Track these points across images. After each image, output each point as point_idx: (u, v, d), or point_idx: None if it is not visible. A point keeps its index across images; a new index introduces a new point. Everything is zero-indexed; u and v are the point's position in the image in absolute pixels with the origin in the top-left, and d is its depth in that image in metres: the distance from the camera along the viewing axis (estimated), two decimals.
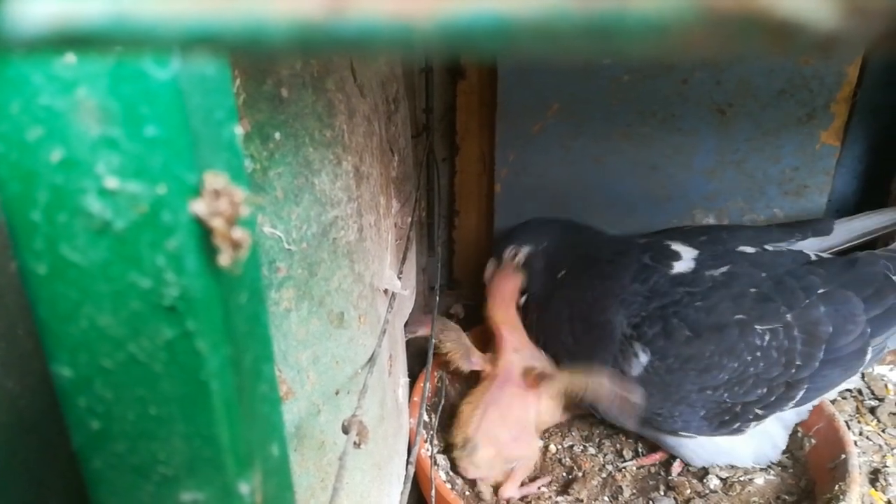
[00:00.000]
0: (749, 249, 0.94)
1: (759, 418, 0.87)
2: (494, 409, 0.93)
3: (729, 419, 0.86)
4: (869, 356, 0.87)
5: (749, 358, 0.84)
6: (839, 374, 0.86)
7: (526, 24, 0.11)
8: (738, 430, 0.88)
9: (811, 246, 0.98)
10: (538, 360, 0.98)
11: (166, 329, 0.20)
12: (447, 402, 1.03)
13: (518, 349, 0.98)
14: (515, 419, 0.93)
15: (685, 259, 0.93)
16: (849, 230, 1.01)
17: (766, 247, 0.95)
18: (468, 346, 0.99)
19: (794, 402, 0.86)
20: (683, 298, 0.87)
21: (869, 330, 0.85)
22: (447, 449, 0.96)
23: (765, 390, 0.85)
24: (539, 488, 0.93)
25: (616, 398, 0.88)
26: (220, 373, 0.21)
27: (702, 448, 0.92)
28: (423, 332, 0.97)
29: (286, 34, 0.13)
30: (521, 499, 0.92)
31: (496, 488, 0.94)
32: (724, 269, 0.89)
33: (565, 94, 1.04)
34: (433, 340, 0.88)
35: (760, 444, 0.92)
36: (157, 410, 0.22)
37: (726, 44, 0.11)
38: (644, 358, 0.86)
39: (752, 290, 0.86)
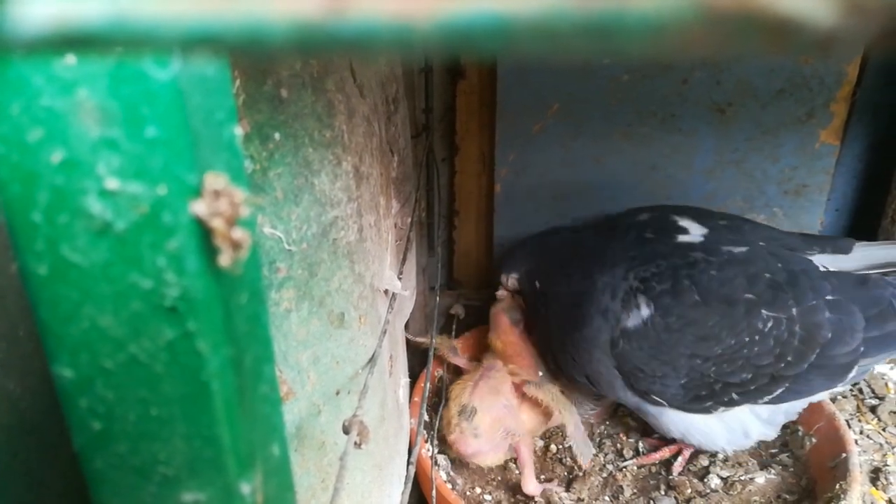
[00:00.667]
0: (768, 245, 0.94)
1: (731, 403, 0.87)
2: (485, 383, 0.95)
3: (705, 395, 0.86)
4: (853, 373, 0.86)
5: (747, 339, 0.83)
6: (821, 382, 0.86)
7: (525, 23, 0.11)
8: (708, 410, 0.88)
9: (826, 262, 0.97)
10: (530, 375, 1.00)
11: (167, 329, 0.20)
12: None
13: (507, 362, 1.01)
14: (507, 392, 0.96)
15: (692, 234, 0.92)
16: (868, 257, 0.98)
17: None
18: (455, 345, 1.07)
19: (770, 396, 0.86)
20: (699, 263, 0.86)
21: (863, 349, 0.85)
22: (445, 445, 0.96)
23: (749, 376, 0.84)
24: (556, 486, 0.95)
25: (577, 431, 0.94)
26: (220, 373, 0.21)
27: (679, 419, 0.92)
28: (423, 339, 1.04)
29: (286, 34, 0.13)
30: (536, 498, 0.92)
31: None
32: (743, 248, 0.89)
33: (565, 94, 1.04)
34: (434, 341, 0.88)
35: (732, 428, 0.91)
36: (158, 411, 0.22)
37: (725, 43, 0.11)
38: (646, 311, 0.85)
39: (767, 275, 0.86)
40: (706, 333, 0.84)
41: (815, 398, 0.91)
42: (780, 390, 0.86)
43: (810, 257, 0.95)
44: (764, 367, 0.84)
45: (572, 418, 0.94)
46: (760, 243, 0.93)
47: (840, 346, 0.85)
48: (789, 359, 0.84)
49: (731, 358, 0.84)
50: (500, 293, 1.08)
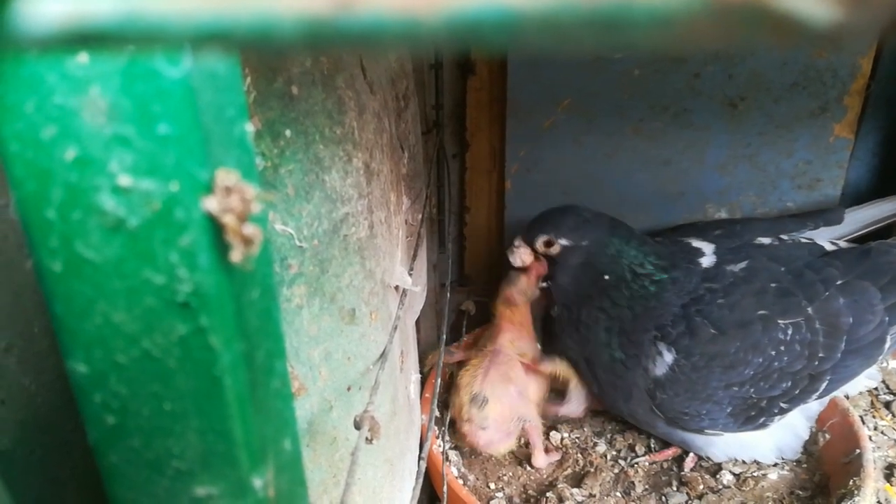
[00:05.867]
0: (766, 241, 0.95)
1: (783, 412, 0.88)
2: (496, 370, 0.95)
3: (755, 414, 0.87)
4: (888, 344, 0.87)
5: (773, 353, 0.84)
6: (860, 363, 0.87)
7: (532, 16, 0.11)
8: (763, 425, 0.89)
9: (822, 235, 0.98)
10: (532, 350, 1.00)
11: (180, 325, 0.21)
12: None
13: (514, 340, 1.00)
14: (517, 377, 0.96)
15: (707, 254, 0.93)
16: (859, 219, 1.02)
17: (783, 237, 0.96)
18: (450, 349, 1.06)
19: (817, 393, 0.87)
20: (706, 296, 0.87)
21: (887, 318, 0.86)
22: (454, 434, 0.97)
23: (789, 384, 0.85)
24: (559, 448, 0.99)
25: (577, 390, 0.97)
26: (232, 368, 0.21)
27: (726, 445, 0.92)
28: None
29: (295, 30, 0.13)
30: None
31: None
32: (743, 264, 0.90)
33: (576, 89, 1.04)
34: (444, 336, 0.88)
35: (784, 436, 0.92)
36: (171, 406, 0.22)
37: (733, 35, 0.11)
38: (669, 357, 0.86)
39: (773, 284, 0.87)
40: (732, 361, 0.84)
41: (859, 380, 0.92)
42: (823, 385, 0.86)
43: (805, 235, 0.95)
44: (799, 371, 0.85)
45: (578, 381, 0.97)
46: (759, 240, 0.93)
47: (864, 325, 0.86)
48: (821, 355, 0.85)
49: (765, 375, 0.85)
50: (519, 259, 0.95)
